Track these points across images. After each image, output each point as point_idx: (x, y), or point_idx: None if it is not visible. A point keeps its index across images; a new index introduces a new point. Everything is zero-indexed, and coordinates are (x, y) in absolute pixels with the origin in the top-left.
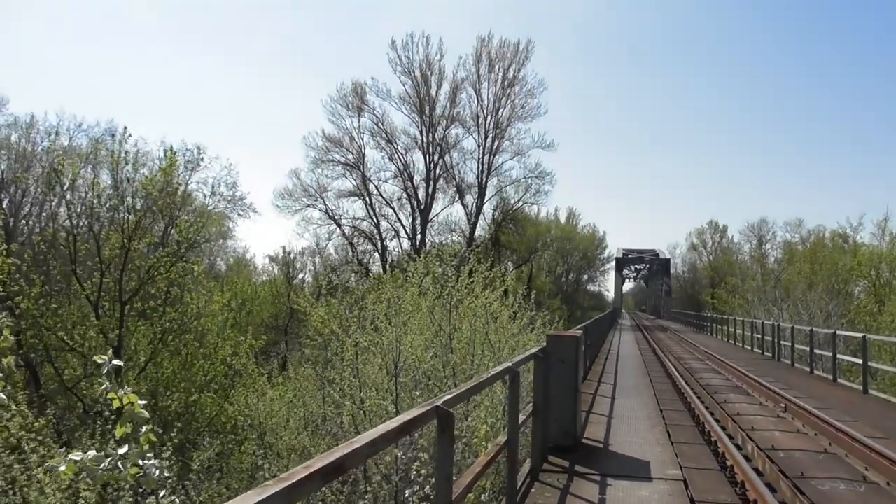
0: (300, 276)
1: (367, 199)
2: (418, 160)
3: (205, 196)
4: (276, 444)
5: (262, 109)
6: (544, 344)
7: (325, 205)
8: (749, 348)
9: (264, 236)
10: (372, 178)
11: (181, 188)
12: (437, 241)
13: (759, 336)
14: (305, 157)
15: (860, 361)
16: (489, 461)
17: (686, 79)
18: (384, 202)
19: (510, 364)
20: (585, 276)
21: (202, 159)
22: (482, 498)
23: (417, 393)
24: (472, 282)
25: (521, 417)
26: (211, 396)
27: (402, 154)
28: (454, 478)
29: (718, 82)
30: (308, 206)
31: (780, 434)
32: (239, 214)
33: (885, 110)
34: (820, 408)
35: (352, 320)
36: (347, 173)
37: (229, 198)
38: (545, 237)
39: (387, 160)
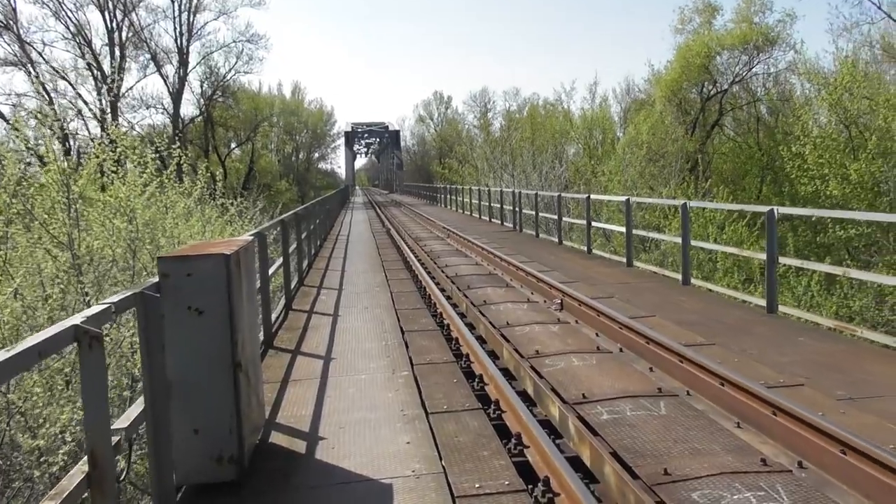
0: None
1: (31, 69)
2: (96, 21)
3: None
4: None
5: None
6: (155, 279)
7: None
8: (487, 219)
9: None
10: (34, 43)
11: None
12: (134, 121)
13: (498, 206)
14: None
15: (622, 230)
16: None
17: None
18: (56, 74)
19: None
20: (316, 154)
21: None
22: None
23: None
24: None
25: None
26: None
27: (71, 11)
28: None
29: None
30: None
31: (580, 362)
32: None
33: None
34: (600, 298)
35: None
36: None
37: None
38: (268, 112)
39: (51, 19)
